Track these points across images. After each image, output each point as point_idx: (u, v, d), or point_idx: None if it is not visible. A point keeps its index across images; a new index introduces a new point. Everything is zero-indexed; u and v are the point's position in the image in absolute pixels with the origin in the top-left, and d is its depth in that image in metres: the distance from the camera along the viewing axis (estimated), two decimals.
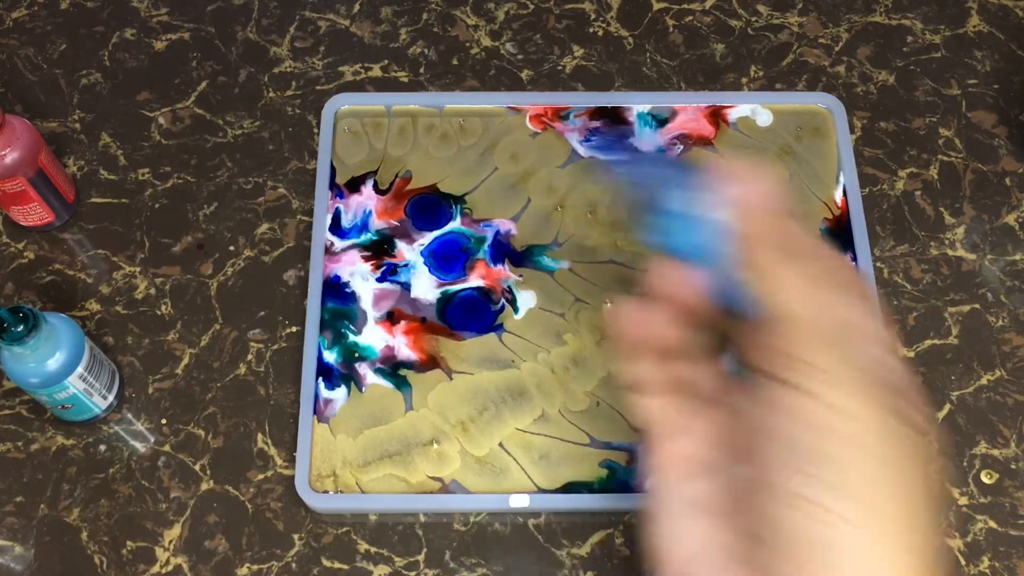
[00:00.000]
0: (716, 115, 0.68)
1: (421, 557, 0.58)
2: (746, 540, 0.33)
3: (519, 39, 0.73)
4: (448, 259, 0.64)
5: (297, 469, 0.58)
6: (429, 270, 0.63)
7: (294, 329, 0.64)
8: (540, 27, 0.73)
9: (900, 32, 0.73)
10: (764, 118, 0.68)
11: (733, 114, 0.68)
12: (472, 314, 0.62)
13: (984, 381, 0.62)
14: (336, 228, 0.65)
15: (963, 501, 0.59)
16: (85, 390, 0.58)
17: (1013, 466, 0.60)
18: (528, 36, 0.73)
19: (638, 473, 0.55)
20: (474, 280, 0.63)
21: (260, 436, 0.61)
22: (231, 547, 0.58)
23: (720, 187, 0.33)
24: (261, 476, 0.60)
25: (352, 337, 0.62)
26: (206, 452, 0.61)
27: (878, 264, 0.65)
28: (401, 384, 0.61)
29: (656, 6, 0.74)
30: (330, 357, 0.61)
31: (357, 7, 0.74)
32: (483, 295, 0.63)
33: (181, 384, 0.62)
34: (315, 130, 0.69)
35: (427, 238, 0.64)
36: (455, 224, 0.65)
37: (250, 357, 0.63)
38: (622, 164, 0.36)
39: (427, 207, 0.66)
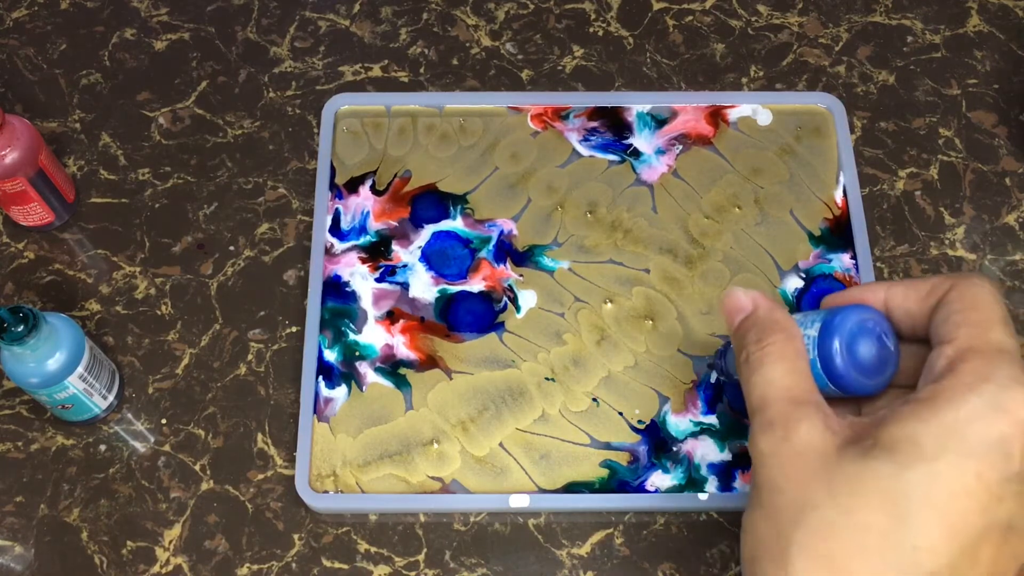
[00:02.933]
0: (716, 115, 0.68)
1: (421, 557, 0.58)
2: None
3: (519, 39, 0.73)
4: (448, 258, 0.64)
5: (297, 469, 0.58)
6: (427, 268, 0.63)
7: (294, 329, 0.64)
8: (540, 27, 0.73)
9: (900, 32, 0.73)
10: (764, 118, 0.68)
11: (733, 114, 0.68)
12: (473, 314, 0.62)
13: None
14: (335, 230, 0.65)
15: None
16: (85, 390, 0.58)
17: None
18: (528, 36, 0.73)
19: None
20: (477, 281, 0.63)
21: (260, 436, 0.61)
22: (231, 547, 0.58)
23: None
24: (261, 476, 0.60)
25: (352, 336, 0.62)
26: (206, 452, 0.61)
27: (878, 264, 0.65)
28: (401, 383, 0.61)
29: (656, 6, 0.74)
30: (330, 356, 0.61)
31: (357, 7, 0.74)
32: (484, 295, 0.63)
33: (181, 384, 0.62)
34: (315, 130, 0.69)
35: (424, 238, 0.64)
36: (456, 224, 0.65)
37: (250, 357, 0.63)
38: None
39: (430, 206, 0.66)
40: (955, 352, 0.38)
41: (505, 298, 0.63)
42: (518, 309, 0.63)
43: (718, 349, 0.59)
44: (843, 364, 0.42)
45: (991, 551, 0.35)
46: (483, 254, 0.64)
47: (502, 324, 0.62)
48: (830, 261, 0.63)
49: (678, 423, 0.59)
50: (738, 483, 0.58)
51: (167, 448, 0.61)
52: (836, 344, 0.42)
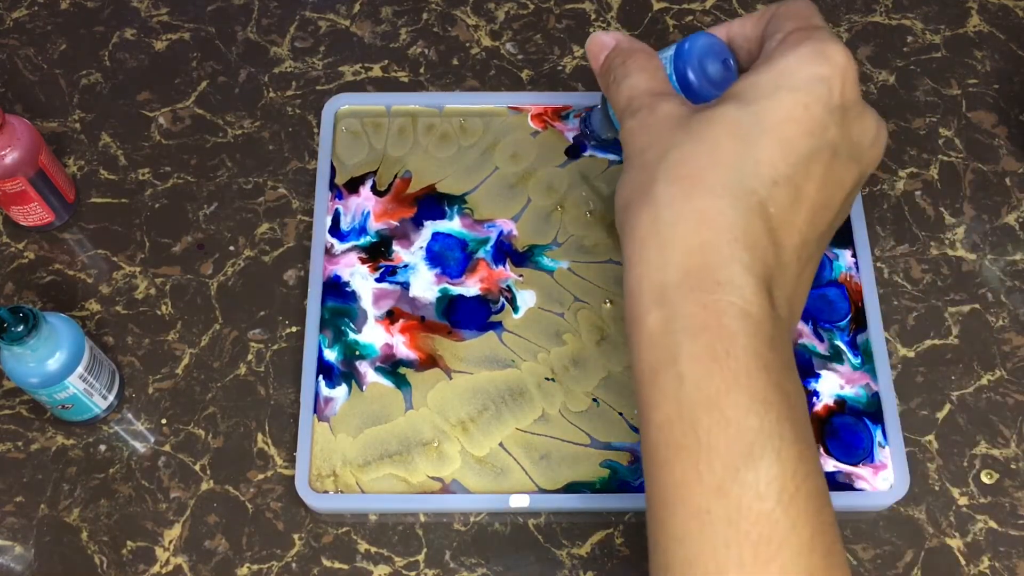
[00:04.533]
0: None
1: (421, 557, 0.58)
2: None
3: (519, 39, 0.73)
4: (448, 259, 0.64)
5: (297, 469, 0.58)
6: (430, 267, 0.63)
7: (294, 329, 0.64)
8: (540, 27, 0.73)
9: (900, 32, 0.73)
10: None
11: None
12: (471, 312, 0.62)
13: (984, 381, 0.62)
14: (335, 230, 0.65)
15: (963, 501, 0.59)
16: (85, 390, 0.58)
17: (1013, 466, 0.60)
18: (528, 36, 0.73)
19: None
20: (473, 283, 0.63)
21: (260, 436, 0.61)
22: (231, 547, 0.58)
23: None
24: (261, 476, 0.60)
25: (352, 335, 0.62)
26: (206, 452, 0.61)
27: (878, 264, 0.65)
28: (401, 383, 0.61)
29: (656, 6, 0.74)
30: (330, 355, 0.61)
31: (357, 7, 0.74)
32: (480, 298, 0.63)
33: (181, 384, 0.62)
34: (315, 130, 0.69)
35: (425, 238, 0.64)
36: (453, 225, 0.65)
37: (250, 357, 0.63)
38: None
39: (431, 207, 0.66)
40: (783, 34, 0.45)
41: (503, 299, 0.63)
42: (516, 310, 0.62)
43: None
44: (695, 76, 0.49)
45: (820, 169, 0.42)
46: (481, 255, 0.64)
47: (500, 323, 0.62)
48: (831, 260, 0.63)
49: None
50: None
51: (167, 448, 0.61)
52: (688, 60, 0.49)
